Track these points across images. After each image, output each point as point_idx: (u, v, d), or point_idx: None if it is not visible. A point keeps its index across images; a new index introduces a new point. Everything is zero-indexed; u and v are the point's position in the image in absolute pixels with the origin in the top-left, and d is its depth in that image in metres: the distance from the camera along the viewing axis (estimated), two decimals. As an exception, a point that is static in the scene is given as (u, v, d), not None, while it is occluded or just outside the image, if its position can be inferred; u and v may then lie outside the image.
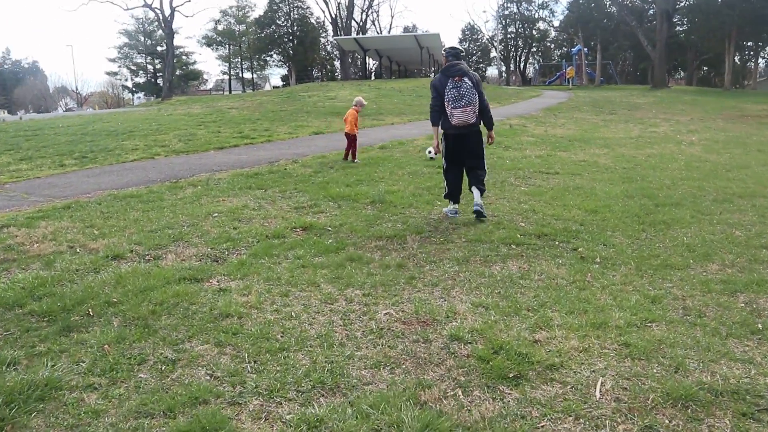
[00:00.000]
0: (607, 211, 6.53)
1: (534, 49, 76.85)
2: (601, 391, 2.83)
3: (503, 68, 76.13)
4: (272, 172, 8.92)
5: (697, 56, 52.73)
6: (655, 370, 3.03)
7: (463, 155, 6.22)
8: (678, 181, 8.49)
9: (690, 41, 49.48)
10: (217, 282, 4.37)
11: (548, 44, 76.03)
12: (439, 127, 6.18)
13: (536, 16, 72.32)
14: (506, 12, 72.05)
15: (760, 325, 3.57)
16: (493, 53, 77.32)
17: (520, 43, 75.50)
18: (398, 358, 3.19)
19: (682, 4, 45.32)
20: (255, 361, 3.14)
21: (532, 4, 70.72)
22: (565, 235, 5.58)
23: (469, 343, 3.34)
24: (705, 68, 60.63)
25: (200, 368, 3.08)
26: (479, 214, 6.09)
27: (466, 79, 5.91)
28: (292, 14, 69.79)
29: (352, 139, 10.04)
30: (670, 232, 5.77)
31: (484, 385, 2.90)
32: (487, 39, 78.80)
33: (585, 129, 15.89)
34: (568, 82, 45.80)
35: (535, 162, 10.02)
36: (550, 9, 66.16)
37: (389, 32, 70.63)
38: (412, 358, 3.19)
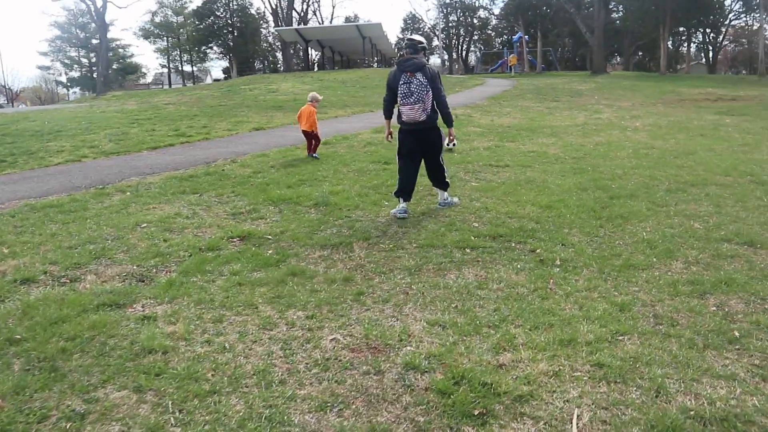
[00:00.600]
0: (562, 206, 6.26)
1: (476, 38, 77.27)
2: (578, 427, 2.50)
3: (446, 57, 76.27)
4: (209, 174, 8.35)
5: (633, 42, 53.89)
6: (634, 396, 2.72)
7: (417, 152, 6.03)
8: (629, 170, 8.34)
9: (626, 27, 50.51)
10: (142, 307, 3.87)
11: (489, 32, 76.50)
12: (392, 120, 6.11)
13: (477, 4, 72.71)
14: (447, 1, 72.09)
15: (736, 333, 3.32)
16: (436, 42, 77.35)
17: (461, 31, 75.75)
18: (347, 396, 2.79)
19: (619, -10, 46.18)
20: (180, 410, 2.68)
21: (473, -9, 71.08)
22: (521, 235, 5.27)
23: (427, 371, 2.97)
24: (640, 53, 62.12)
25: (114, 423, 2.60)
26: (444, 206, 6.31)
27: (418, 75, 5.67)
28: (231, 5, 68.04)
29: (312, 136, 9.57)
30: (628, 227, 5.54)
31: (446, 427, 2.52)
32: (429, 28, 78.77)
33: (531, 117, 15.77)
34: (511, 69, 45.99)
35: (484, 154, 9.74)
36: (490, -4, 66.37)
37: (331, 22, 69.73)
38: (363, 395, 2.79)
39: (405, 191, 6.03)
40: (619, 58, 63.04)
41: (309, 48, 55.23)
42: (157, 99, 24.36)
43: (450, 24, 74.77)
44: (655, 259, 4.64)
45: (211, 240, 5.24)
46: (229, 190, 7.34)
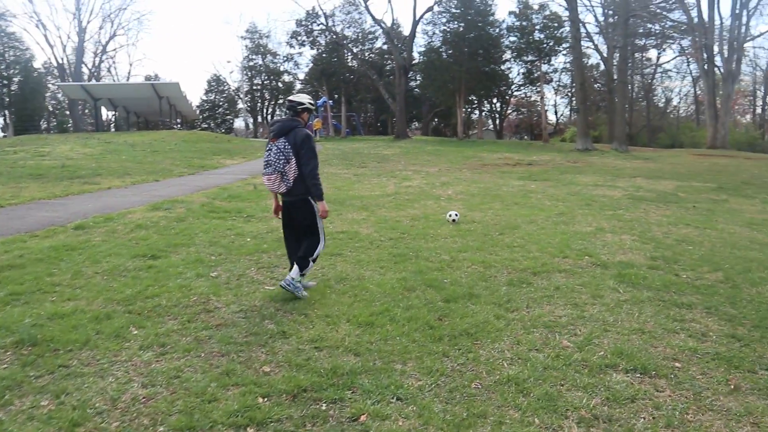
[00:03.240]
0: (387, 322, 4.62)
1: (281, 101, 76.62)
2: None
3: (251, 120, 74.60)
4: None
5: (431, 109, 56.50)
6: None
7: (290, 225, 5.52)
8: (457, 255, 7.03)
9: (425, 95, 52.78)
10: None
11: (295, 96, 76.27)
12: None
13: (281, 68, 72.30)
14: (251, 63, 70.86)
15: None
16: (240, 105, 75.37)
17: (266, 94, 74.72)
18: None
19: (417, 60, 48.07)
20: None
21: (277, 56, 70.56)
22: (334, 387, 3.48)
23: None
24: (437, 119, 65.49)
25: None
26: (285, 289, 5.23)
27: (281, 141, 5.13)
28: (6, 55, 60.37)
29: None
30: (481, 353, 4.02)
31: None
32: (233, 90, 76.80)
33: (338, 186, 14.39)
34: (316, 134, 45.51)
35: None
36: (295, 61, 66.00)
37: (128, 80, 64.89)
38: None
39: (291, 263, 5.42)
40: (417, 123, 65.90)
41: (100, 107, 50.28)
42: None
43: (255, 87, 73.46)
44: (537, 420, 3.09)
45: None
46: None
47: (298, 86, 72.90)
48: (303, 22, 49.68)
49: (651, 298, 5.33)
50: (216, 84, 78.10)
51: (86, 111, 54.80)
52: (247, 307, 5.04)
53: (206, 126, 75.18)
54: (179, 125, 63.03)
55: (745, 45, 39.27)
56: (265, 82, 73.26)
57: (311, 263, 5.37)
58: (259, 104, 75.09)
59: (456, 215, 9.53)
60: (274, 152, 5.11)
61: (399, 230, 8.67)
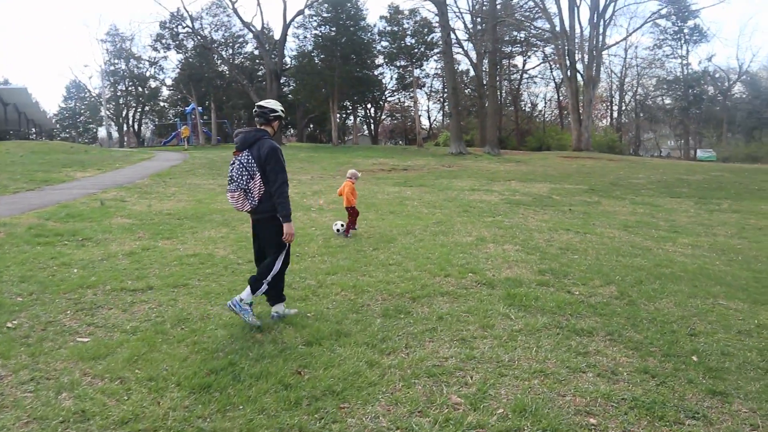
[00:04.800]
0: (230, 383, 3.54)
1: (148, 108, 72.16)
2: None
3: (115, 129, 69.61)
4: None
5: (305, 115, 55.35)
6: None
7: (259, 243, 4.96)
8: (325, 279, 6.03)
9: (299, 101, 51.49)
10: None
11: (163, 103, 72.18)
12: None
13: (147, 73, 67.99)
14: (113, 68, 66.06)
15: None
16: (102, 112, 69.95)
17: (132, 101, 70.04)
18: None
19: (289, 65, 46.75)
20: None
21: (142, 61, 66.26)
22: None
23: None
24: (312, 126, 64.40)
25: None
26: (231, 309, 4.63)
27: (244, 155, 4.61)
28: None
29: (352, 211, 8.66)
30: (350, 425, 3.05)
31: None
32: (95, 97, 71.33)
33: (200, 199, 12.94)
34: (185, 142, 42.86)
35: (122, 266, 6.57)
36: (160, 65, 62.16)
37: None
38: None
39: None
40: (293, 130, 64.44)
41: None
42: None
43: (118, 93, 68.59)
44: None
45: None
46: None
47: (165, 92, 69.13)
48: (167, 25, 46.80)
49: (547, 325, 4.58)
50: (76, 90, 72.40)
51: None
52: (42, 374, 3.74)
53: (67, 136, 69.52)
54: (35, 135, 57.65)
55: (603, 53, 41.53)
56: (130, 88, 68.64)
57: (264, 285, 4.68)
58: (124, 112, 70.22)
59: (342, 225, 8.61)
60: (236, 167, 4.58)
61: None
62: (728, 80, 58.62)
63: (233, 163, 4.64)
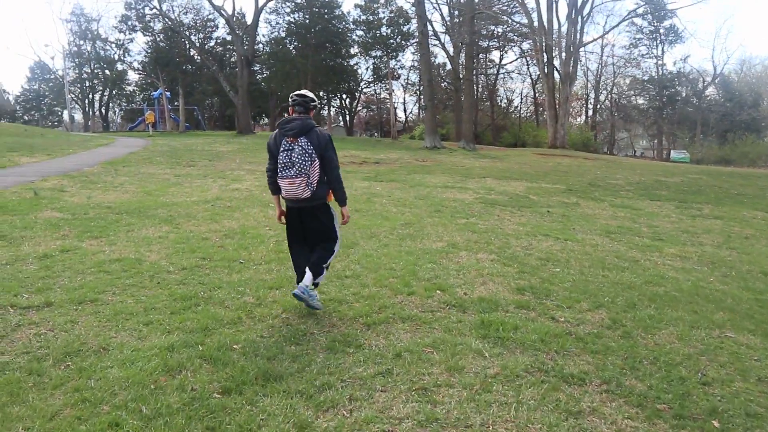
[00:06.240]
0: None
1: (116, 92, 69.84)
2: None
3: (81, 112, 67.27)
4: None
5: (278, 103, 54.00)
6: None
7: (305, 233, 4.78)
8: (266, 294, 5.10)
9: (271, 88, 50.15)
10: None
11: (131, 87, 69.91)
12: (280, 195, 4.73)
13: (115, 56, 65.69)
14: (77, 50, 63.66)
15: None
16: (67, 95, 67.49)
17: (98, 85, 67.70)
18: None
19: (261, 51, 45.39)
20: None
21: (109, 43, 63.95)
22: None
23: None
24: (285, 114, 63.02)
25: None
26: (299, 298, 4.52)
27: (302, 141, 4.49)
28: None
29: None
30: None
31: None
32: (59, 78, 68.80)
33: (149, 190, 11.86)
34: (148, 128, 41.26)
35: (25, 274, 5.54)
36: (126, 48, 60.08)
37: None
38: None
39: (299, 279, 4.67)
40: (267, 119, 62.99)
41: None
42: None
43: (84, 76, 66.20)
44: None
45: None
46: None
47: (133, 76, 67.03)
48: (133, 6, 45.09)
49: (529, 368, 3.71)
50: (40, 71, 69.77)
51: None
52: None
53: (30, 119, 67.03)
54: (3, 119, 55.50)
55: (580, 50, 40.98)
56: (96, 71, 66.38)
57: (325, 270, 4.75)
58: (90, 95, 67.93)
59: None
60: (297, 152, 4.48)
61: (200, 254, 6.57)
62: (703, 82, 58.71)
63: (290, 149, 4.50)
